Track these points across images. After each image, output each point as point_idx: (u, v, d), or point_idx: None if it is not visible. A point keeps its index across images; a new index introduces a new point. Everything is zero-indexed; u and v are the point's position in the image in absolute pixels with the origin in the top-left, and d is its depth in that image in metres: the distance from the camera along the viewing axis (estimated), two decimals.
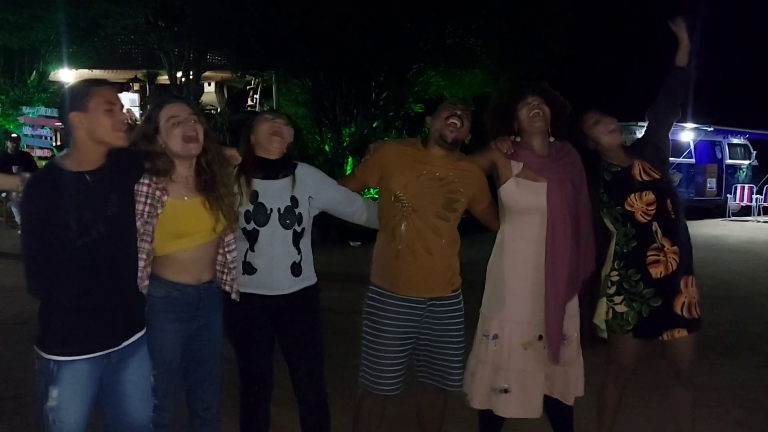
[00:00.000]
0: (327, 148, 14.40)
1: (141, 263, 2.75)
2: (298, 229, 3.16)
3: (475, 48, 15.06)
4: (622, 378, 3.46)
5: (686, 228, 3.38)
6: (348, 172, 13.25)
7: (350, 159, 13.46)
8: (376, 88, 14.60)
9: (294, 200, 3.16)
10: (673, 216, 3.29)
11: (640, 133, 15.06)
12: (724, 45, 20.66)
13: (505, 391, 3.21)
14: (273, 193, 3.14)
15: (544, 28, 15.61)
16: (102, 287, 2.56)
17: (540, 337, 3.21)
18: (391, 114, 14.76)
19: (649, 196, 3.26)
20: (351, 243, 10.59)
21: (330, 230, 10.36)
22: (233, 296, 3.07)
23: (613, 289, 3.32)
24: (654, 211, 3.26)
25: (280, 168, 3.17)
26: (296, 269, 3.17)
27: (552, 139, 3.30)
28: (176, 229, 2.82)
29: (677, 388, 3.45)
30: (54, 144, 15.23)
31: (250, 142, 3.17)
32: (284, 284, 3.14)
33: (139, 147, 2.82)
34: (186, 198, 2.86)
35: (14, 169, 11.80)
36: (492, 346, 3.24)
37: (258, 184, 3.13)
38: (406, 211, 3.24)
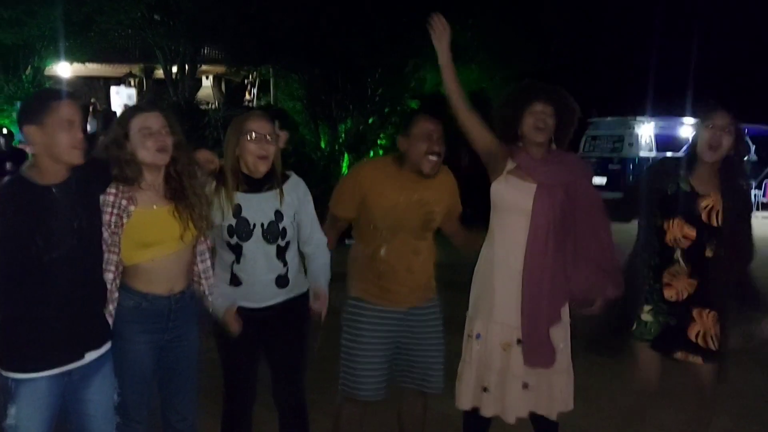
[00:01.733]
0: (323, 144, 14.35)
1: (110, 275, 2.70)
2: (282, 243, 3.09)
3: (471, 44, 15.00)
4: (646, 393, 3.44)
5: (741, 272, 3.30)
6: (344, 168, 13.20)
7: (346, 155, 13.42)
8: (372, 84, 14.55)
9: (278, 215, 3.08)
10: (708, 256, 3.23)
11: (638, 128, 14.94)
12: (722, 40, 20.63)
13: (485, 389, 3.19)
14: (257, 207, 3.05)
15: (540, 23, 15.56)
16: (65, 301, 2.49)
17: (519, 341, 3.14)
18: (386, 110, 14.72)
19: (690, 232, 3.23)
20: (346, 241, 10.64)
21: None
22: (209, 308, 3.02)
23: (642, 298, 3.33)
24: (686, 245, 3.24)
25: (265, 181, 3.08)
26: (282, 281, 3.13)
27: (554, 146, 3.21)
28: (143, 239, 2.77)
29: (696, 408, 3.43)
30: None
31: (236, 154, 3.04)
32: (269, 296, 3.11)
33: (108, 151, 2.77)
34: (155, 207, 2.81)
35: (8, 165, 11.78)
36: (476, 345, 3.21)
37: (241, 198, 3.04)
38: (386, 236, 3.23)
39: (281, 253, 3.10)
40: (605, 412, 3.69)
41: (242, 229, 3.03)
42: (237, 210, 3.02)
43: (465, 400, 3.26)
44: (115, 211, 2.72)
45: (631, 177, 15.66)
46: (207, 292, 3.02)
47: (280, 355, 3.21)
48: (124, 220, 2.74)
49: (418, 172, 3.20)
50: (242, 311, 3.05)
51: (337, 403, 3.43)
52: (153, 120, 2.79)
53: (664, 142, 15.63)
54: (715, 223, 3.23)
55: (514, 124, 3.17)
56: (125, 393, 2.81)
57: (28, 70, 14.48)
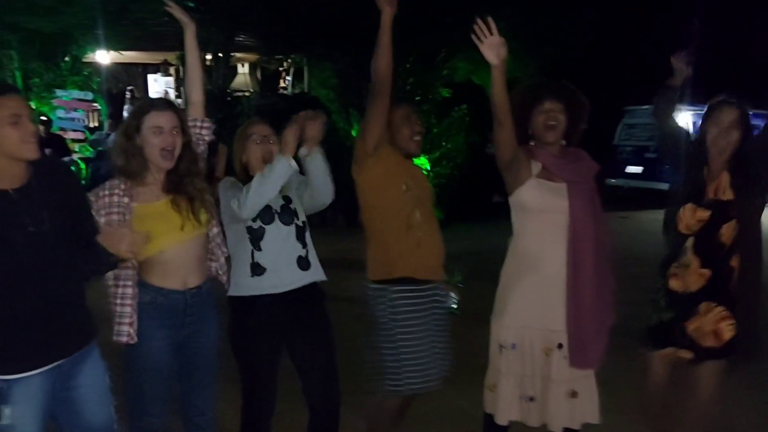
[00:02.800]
0: (354, 133, 14.35)
1: (129, 271, 2.77)
2: (299, 222, 3.20)
3: (504, 32, 14.87)
4: (656, 397, 3.38)
5: (753, 259, 3.23)
6: None
7: None
8: (403, 73, 14.50)
9: (287, 198, 3.21)
10: (720, 241, 3.15)
11: (676, 116, 14.64)
12: (748, 27, 20.15)
13: (531, 399, 3.12)
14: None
15: (574, 11, 15.35)
16: (44, 300, 2.47)
17: (560, 345, 3.10)
18: (417, 98, 14.65)
19: (703, 214, 3.16)
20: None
21: (356, 216, 10.35)
22: (226, 287, 3.12)
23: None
24: (698, 228, 3.17)
25: None
26: (303, 262, 3.18)
27: (564, 143, 3.20)
28: (150, 233, 2.76)
29: (691, 408, 3.33)
30: (87, 126, 15.40)
31: (243, 161, 3.24)
32: (293, 279, 3.15)
33: (118, 140, 2.84)
34: (156, 200, 2.86)
35: (47, 152, 12.02)
36: (511, 356, 3.14)
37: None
38: (415, 200, 3.33)
39: (300, 234, 3.19)
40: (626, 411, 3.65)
41: (265, 213, 3.12)
42: None
43: (505, 414, 3.16)
44: (119, 210, 2.80)
45: (667, 166, 15.42)
46: (220, 272, 3.10)
47: (309, 355, 3.21)
48: (127, 217, 2.80)
49: (407, 155, 3.45)
50: (267, 301, 3.10)
51: (379, 402, 3.43)
52: (165, 119, 2.85)
53: (697, 130, 15.36)
54: (728, 196, 3.15)
55: (524, 124, 3.15)
56: (143, 387, 2.88)
57: (67, 58, 14.69)
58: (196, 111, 3.20)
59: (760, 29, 19.54)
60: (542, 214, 3.12)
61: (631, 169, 15.78)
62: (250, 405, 3.20)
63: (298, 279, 3.17)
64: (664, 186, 16.64)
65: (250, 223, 3.12)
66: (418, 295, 3.32)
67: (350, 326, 3.52)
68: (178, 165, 2.92)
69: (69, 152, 12.48)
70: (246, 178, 3.19)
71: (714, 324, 3.17)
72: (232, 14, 14.32)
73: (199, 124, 3.16)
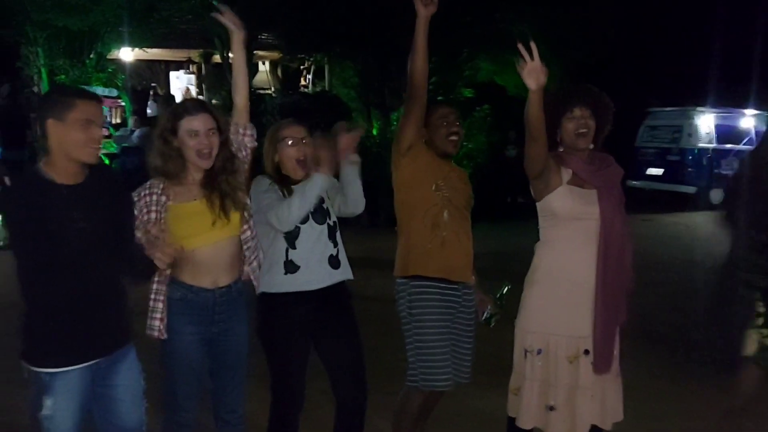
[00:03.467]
0: (375, 132, 14.40)
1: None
2: (331, 222, 3.25)
3: (527, 33, 14.82)
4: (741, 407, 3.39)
5: None
6: None
7: None
8: None
9: (320, 198, 3.23)
10: None
11: (698, 119, 14.55)
12: None
13: (552, 408, 3.12)
14: None
15: (597, 11, 15.26)
16: (88, 297, 2.56)
17: (586, 352, 3.11)
18: (440, 98, 14.67)
19: None
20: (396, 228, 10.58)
21: (378, 215, 10.41)
22: (258, 290, 3.16)
23: (760, 321, 3.28)
24: None
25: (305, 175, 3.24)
26: (334, 261, 3.24)
27: (591, 146, 3.20)
28: (180, 231, 2.86)
29: None
30: (110, 122, 15.57)
31: (275, 161, 3.25)
32: (324, 277, 3.21)
33: (155, 143, 2.90)
34: (193, 200, 2.93)
35: None
36: (537, 361, 3.14)
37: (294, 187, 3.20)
38: (445, 200, 3.38)
39: (332, 233, 3.25)
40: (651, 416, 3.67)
41: None
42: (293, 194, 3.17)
43: (527, 419, 3.18)
44: (156, 208, 2.87)
45: (689, 168, 15.33)
46: (252, 277, 3.13)
47: (338, 351, 3.27)
48: (162, 215, 2.87)
49: (446, 156, 3.48)
50: (298, 296, 3.16)
51: (404, 398, 3.47)
52: (199, 122, 2.91)
53: (725, 133, 15.23)
54: None
55: (552, 130, 3.14)
56: (175, 382, 2.94)
57: (92, 55, 14.86)
58: (241, 116, 3.23)
59: None
60: (573, 222, 3.13)
61: (653, 171, 15.70)
62: (280, 400, 3.25)
63: (329, 277, 3.22)
64: (686, 189, 16.56)
65: None
66: (437, 294, 3.36)
67: (370, 326, 3.56)
68: (215, 163, 2.98)
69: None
70: (278, 177, 3.23)
71: None
72: (257, 13, 14.42)
73: (242, 130, 3.20)
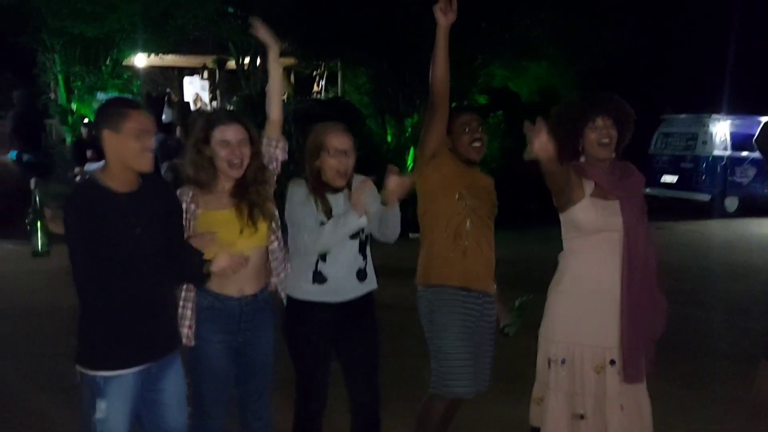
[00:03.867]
0: (389, 138, 14.44)
1: None
2: (363, 237, 3.25)
3: (541, 39, 14.83)
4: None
5: None
6: (409, 162, 13.25)
7: (411, 149, 13.47)
8: None
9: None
10: None
11: (713, 126, 14.47)
12: None
13: (582, 417, 3.10)
14: (340, 206, 3.19)
15: (611, 17, 15.23)
16: (143, 302, 2.63)
17: (612, 362, 3.09)
18: (454, 104, 14.71)
19: None
20: (410, 235, 10.62)
21: None
22: (285, 303, 3.19)
23: None
24: None
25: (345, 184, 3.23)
26: (362, 274, 3.26)
27: (613, 155, 3.17)
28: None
29: None
30: None
31: (316, 167, 3.18)
32: (351, 290, 3.23)
33: (187, 152, 2.93)
34: (222, 208, 2.96)
35: (88, 153, 12.29)
36: (561, 371, 3.13)
37: (330, 198, 3.19)
38: (468, 210, 3.37)
39: (362, 247, 3.25)
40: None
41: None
42: (328, 207, 3.17)
43: (553, 429, 3.14)
44: (186, 216, 2.91)
45: (703, 176, 15.26)
46: (279, 289, 3.16)
47: (355, 352, 3.28)
48: (192, 223, 2.91)
49: (469, 162, 3.46)
50: (324, 309, 3.18)
51: (428, 404, 3.47)
52: (232, 133, 2.95)
53: (740, 140, 15.14)
54: None
55: (575, 141, 3.14)
56: (202, 389, 2.97)
57: (108, 62, 14.99)
58: (274, 130, 3.25)
59: None
60: (597, 233, 3.11)
61: (667, 178, 15.65)
62: (303, 403, 3.28)
63: (355, 290, 3.24)
64: (700, 196, 16.46)
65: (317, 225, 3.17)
66: (458, 302, 3.37)
67: (388, 333, 3.57)
68: (246, 173, 3.01)
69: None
70: (317, 183, 3.20)
71: None
72: (271, 20, 14.51)
73: (274, 143, 3.22)
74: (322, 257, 3.16)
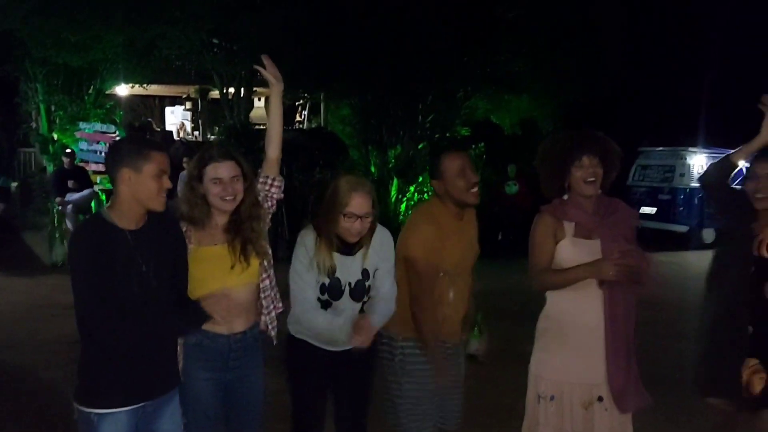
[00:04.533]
0: (373, 169, 14.52)
1: None
2: (366, 299, 3.20)
3: (523, 73, 15.07)
4: None
5: None
6: (393, 193, 13.32)
7: (395, 180, 13.57)
8: (423, 111, 14.71)
9: (365, 273, 3.17)
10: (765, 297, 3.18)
11: (690, 159, 14.67)
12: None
13: None
14: (348, 266, 3.14)
15: (591, 52, 15.50)
16: (142, 340, 2.63)
17: (600, 398, 3.15)
18: (437, 136, 14.81)
19: None
20: None
21: None
22: (274, 342, 3.17)
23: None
24: None
25: (357, 244, 3.15)
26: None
27: (599, 192, 3.23)
28: (199, 273, 2.89)
29: None
30: None
31: (332, 223, 3.07)
32: (346, 342, 3.17)
33: (184, 191, 2.95)
34: (214, 244, 2.96)
35: (70, 183, 12.24)
36: (550, 407, 3.18)
37: (336, 258, 3.11)
38: (452, 279, 3.30)
39: (362, 307, 3.20)
40: None
41: (334, 289, 3.12)
42: (332, 270, 3.10)
43: None
44: None
45: (681, 208, 15.46)
46: (269, 327, 3.14)
47: (347, 393, 3.29)
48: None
49: (463, 206, 3.33)
50: (320, 352, 3.19)
51: None
52: (224, 170, 2.95)
53: None
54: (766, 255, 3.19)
55: (561, 178, 3.19)
56: (190, 427, 2.93)
57: (91, 91, 14.99)
58: (271, 168, 3.24)
59: None
60: None
61: (645, 209, 15.82)
62: (301, 429, 3.28)
63: (350, 342, 3.19)
64: (678, 227, 16.59)
65: (318, 294, 3.13)
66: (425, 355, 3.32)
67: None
68: (240, 209, 3.01)
69: (91, 184, 12.68)
70: (329, 237, 3.08)
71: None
72: (256, 51, 14.60)
73: (269, 181, 3.22)
74: (324, 306, 3.14)
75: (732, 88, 18.67)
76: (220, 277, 2.93)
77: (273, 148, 3.25)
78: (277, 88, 3.29)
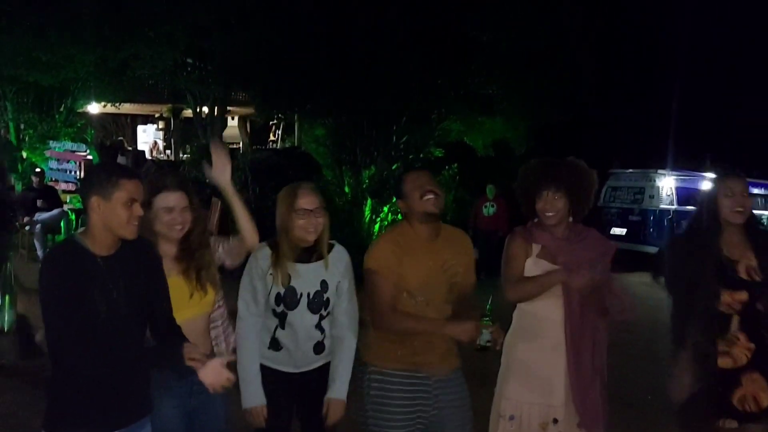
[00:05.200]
0: (347, 189, 14.53)
1: None
2: (324, 313, 3.17)
3: (497, 95, 15.25)
4: None
5: None
6: (367, 213, 13.33)
7: (369, 201, 13.58)
8: (397, 132, 14.80)
9: (324, 284, 3.15)
10: (760, 315, 3.25)
11: (659, 181, 14.79)
12: (748, 100, 20.76)
13: None
14: (305, 277, 3.12)
15: (564, 75, 15.72)
16: (114, 367, 2.57)
17: (555, 421, 3.18)
18: (411, 157, 14.90)
19: (742, 296, 3.25)
20: None
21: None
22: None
23: None
24: (740, 308, 3.25)
25: (313, 251, 3.15)
26: (319, 347, 3.20)
27: (570, 219, 3.29)
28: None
29: None
30: (78, 177, 15.48)
31: (286, 226, 3.10)
32: (308, 362, 3.16)
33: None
34: (169, 276, 2.89)
35: (38, 203, 12.07)
36: (509, 427, 3.21)
37: (291, 267, 3.11)
38: (421, 305, 3.20)
39: (321, 321, 3.16)
40: None
41: (289, 299, 3.10)
42: (287, 279, 3.09)
43: None
44: None
45: (651, 229, 15.67)
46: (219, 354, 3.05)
47: (314, 417, 3.23)
48: None
49: (428, 218, 3.21)
50: (280, 375, 3.16)
51: None
52: (175, 199, 2.93)
53: (685, 195, 15.63)
54: (758, 278, 3.25)
55: (530, 202, 3.29)
56: None
57: (62, 110, 14.87)
58: (237, 245, 3.23)
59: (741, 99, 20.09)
60: (543, 294, 3.21)
61: (616, 231, 15.99)
62: None
63: (311, 362, 3.19)
64: (648, 248, 16.76)
65: (273, 306, 3.13)
66: (398, 386, 3.21)
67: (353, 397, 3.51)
68: (190, 237, 3.00)
69: (60, 203, 12.50)
70: (288, 244, 3.11)
71: (757, 391, 3.27)
72: (231, 71, 14.58)
73: (226, 248, 3.20)
74: (281, 324, 3.13)
75: (699, 111, 19.08)
76: (181, 308, 2.88)
77: (249, 237, 3.24)
78: (227, 191, 3.24)
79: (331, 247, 3.21)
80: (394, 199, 15.24)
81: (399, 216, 13.95)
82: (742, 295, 3.24)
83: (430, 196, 3.19)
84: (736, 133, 19.97)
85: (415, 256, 3.20)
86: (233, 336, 3.19)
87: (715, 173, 3.48)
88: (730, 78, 20.34)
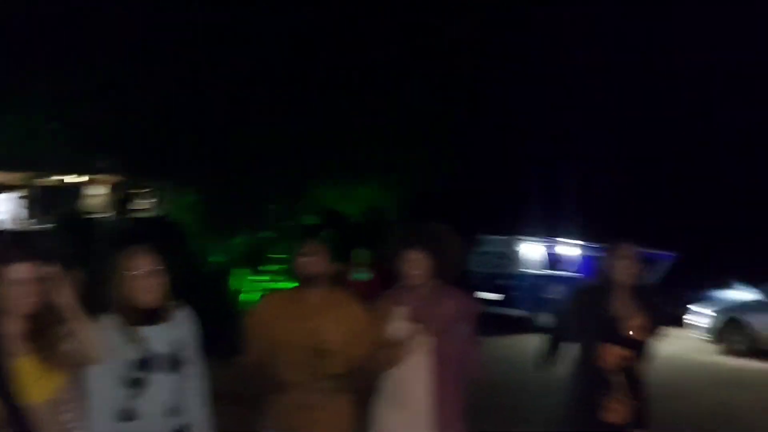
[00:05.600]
0: (220, 258, 14.24)
1: None
2: (177, 375, 3.02)
3: (371, 163, 15.60)
4: None
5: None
6: (234, 283, 13.07)
7: (236, 270, 13.36)
8: (267, 200, 14.76)
9: (175, 343, 3.02)
10: (641, 374, 3.50)
11: (520, 247, 15.45)
12: (609, 170, 22.41)
13: None
14: (155, 338, 2.98)
15: (436, 146, 16.34)
16: None
17: None
18: (281, 225, 14.87)
19: (626, 353, 3.46)
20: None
21: (215, 343, 10.05)
22: None
23: None
24: (625, 365, 3.47)
25: (158, 312, 3.02)
26: (176, 410, 3.02)
27: (433, 281, 3.42)
28: None
29: None
30: None
31: (123, 290, 2.97)
32: (163, 427, 2.98)
33: None
34: (16, 357, 2.71)
35: None
36: None
37: (141, 330, 2.96)
38: (284, 364, 3.33)
39: (175, 384, 3.02)
40: None
41: (147, 360, 2.95)
42: (142, 342, 2.95)
43: None
44: None
45: (517, 293, 16.26)
46: None
47: None
48: None
49: (304, 281, 3.33)
50: None
51: None
52: (23, 271, 2.71)
53: (551, 261, 16.58)
54: (643, 338, 3.51)
55: (397, 265, 3.43)
56: None
57: None
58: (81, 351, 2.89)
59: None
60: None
61: (483, 294, 16.46)
62: None
63: (168, 425, 2.99)
64: (516, 312, 17.35)
65: (129, 372, 2.92)
66: None
67: None
68: (39, 313, 2.75)
69: None
70: (130, 312, 2.97)
71: None
72: (95, 138, 14.14)
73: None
74: (134, 394, 2.93)
75: (559, 187, 20.55)
76: (26, 393, 2.67)
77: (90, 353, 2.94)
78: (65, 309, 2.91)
79: (177, 307, 3.08)
80: (272, 267, 14.95)
81: (281, 284, 13.76)
82: (627, 353, 3.45)
83: (304, 258, 3.32)
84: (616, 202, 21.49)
85: (289, 311, 3.34)
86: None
87: (610, 240, 3.72)
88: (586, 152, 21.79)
